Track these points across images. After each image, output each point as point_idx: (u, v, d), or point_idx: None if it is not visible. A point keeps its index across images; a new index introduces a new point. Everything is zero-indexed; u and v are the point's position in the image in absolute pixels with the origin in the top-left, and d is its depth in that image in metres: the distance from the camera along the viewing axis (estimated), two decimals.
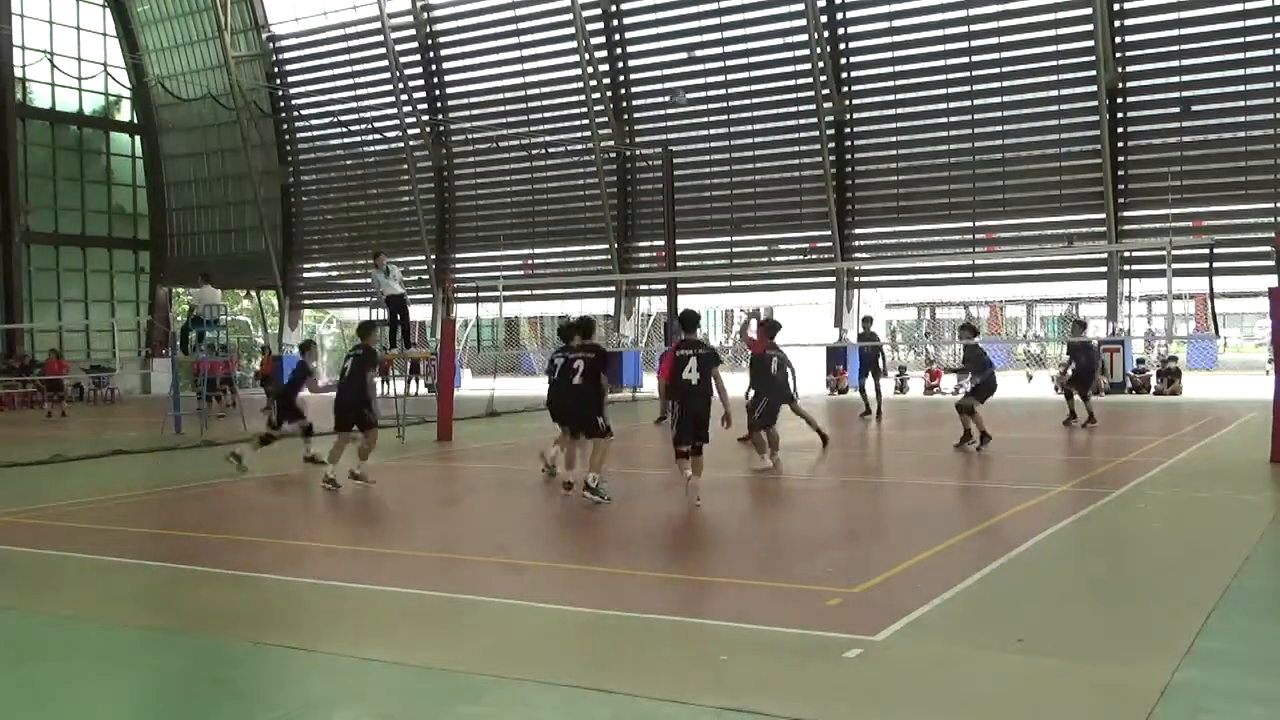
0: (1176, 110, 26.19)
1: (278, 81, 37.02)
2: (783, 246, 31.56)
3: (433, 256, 34.69)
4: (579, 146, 32.37)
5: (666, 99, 30.97)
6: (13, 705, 4.86)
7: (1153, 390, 25.67)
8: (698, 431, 9.70)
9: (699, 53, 30.88)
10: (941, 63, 28.37)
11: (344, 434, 11.46)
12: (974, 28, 27.82)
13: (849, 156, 29.81)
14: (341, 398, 11.52)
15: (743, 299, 35.42)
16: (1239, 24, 25.43)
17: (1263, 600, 6.38)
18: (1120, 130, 26.80)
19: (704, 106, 31.25)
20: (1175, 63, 26.40)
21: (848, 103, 29.48)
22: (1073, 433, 16.30)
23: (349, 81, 36.07)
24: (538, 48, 32.91)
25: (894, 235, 30.08)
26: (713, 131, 31.30)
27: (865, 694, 4.72)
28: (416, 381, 28.88)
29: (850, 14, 29.38)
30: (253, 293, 42.22)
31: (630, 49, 31.97)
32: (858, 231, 30.03)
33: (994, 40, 27.81)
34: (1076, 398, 16.86)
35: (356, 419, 11.39)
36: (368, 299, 24.14)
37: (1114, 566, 7.29)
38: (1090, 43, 26.27)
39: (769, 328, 13.23)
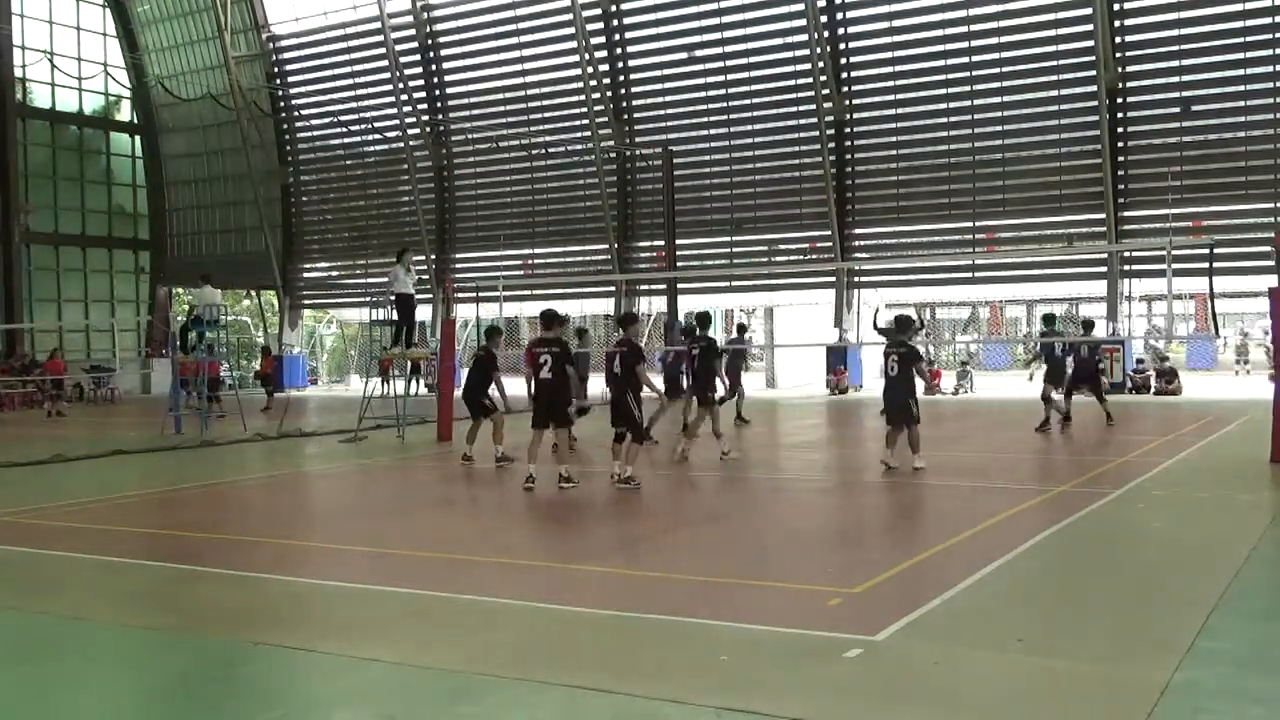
0: (1176, 110, 26.18)
1: (278, 81, 37.03)
2: (783, 246, 31.55)
3: (433, 256, 34.70)
4: (579, 146, 32.37)
5: None
6: (13, 705, 4.86)
7: (1153, 390, 25.68)
8: (617, 416, 11.06)
9: (699, 53, 30.88)
10: (941, 63, 28.35)
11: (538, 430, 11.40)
12: (974, 28, 27.81)
13: (849, 156, 29.80)
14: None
15: (743, 299, 35.42)
16: (1239, 24, 25.41)
17: (1263, 600, 6.38)
18: (1120, 130, 26.78)
19: (704, 106, 31.26)
20: (1175, 63, 26.38)
21: (848, 103, 29.47)
22: (1071, 432, 16.28)
23: (349, 81, 36.07)
24: (538, 48, 32.91)
25: (894, 235, 30.08)
26: (713, 131, 31.28)
27: (865, 694, 4.72)
28: (417, 381, 28.88)
29: (850, 14, 29.36)
30: (252, 292, 42.23)
31: (630, 49, 31.97)
32: (858, 231, 30.03)
33: (994, 40, 27.79)
34: (1058, 396, 16.62)
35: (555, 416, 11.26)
36: (367, 299, 24.10)
37: (1114, 566, 7.29)
38: (1090, 43, 26.27)
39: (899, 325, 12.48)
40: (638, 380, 10.98)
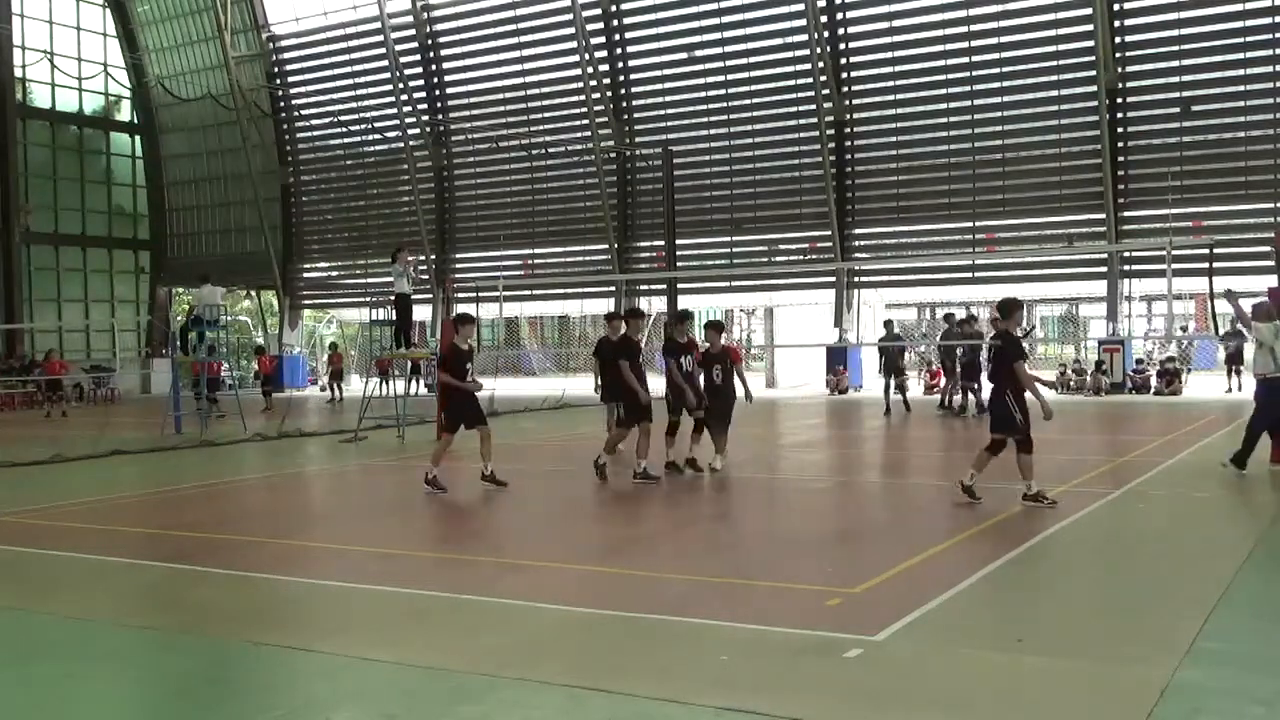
0: (1176, 110, 26.19)
1: (278, 81, 37.03)
2: (783, 246, 31.57)
3: (433, 256, 34.71)
4: (579, 146, 32.37)
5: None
6: (13, 705, 4.86)
7: (1153, 390, 25.67)
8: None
9: (699, 53, 30.89)
10: (941, 63, 28.37)
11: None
12: (974, 28, 27.83)
13: (849, 156, 29.81)
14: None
15: (743, 299, 35.44)
16: (1239, 24, 25.43)
17: (1263, 600, 6.38)
18: (1120, 130, 26.80)
19: (704, 106, 31.27)
20: (1175, 63, 26.40)
21: (848, 103, 29.48)
22: (1072, 433, 16.27)
23: (349, 81, 36.09)
24: (538, 48, 32.93)
25: (894, 235, 30.09)
26: (713, 131, 31.30)
27: (865, 694, 4.71)
28: (417, 381, 28.84)
29: (850, 14, 29.38)
30: (251, 292, 42.23)
31: (630, 49, 31.98)
32: (858, 231, 30.04)
33: (994, 40, 27.81)
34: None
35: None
36: (367, 299, 24.12)
37: (1114, 566, 7.29)
38: (1090, 43, 26.28)
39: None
40: (1017, 379, 9.40)
